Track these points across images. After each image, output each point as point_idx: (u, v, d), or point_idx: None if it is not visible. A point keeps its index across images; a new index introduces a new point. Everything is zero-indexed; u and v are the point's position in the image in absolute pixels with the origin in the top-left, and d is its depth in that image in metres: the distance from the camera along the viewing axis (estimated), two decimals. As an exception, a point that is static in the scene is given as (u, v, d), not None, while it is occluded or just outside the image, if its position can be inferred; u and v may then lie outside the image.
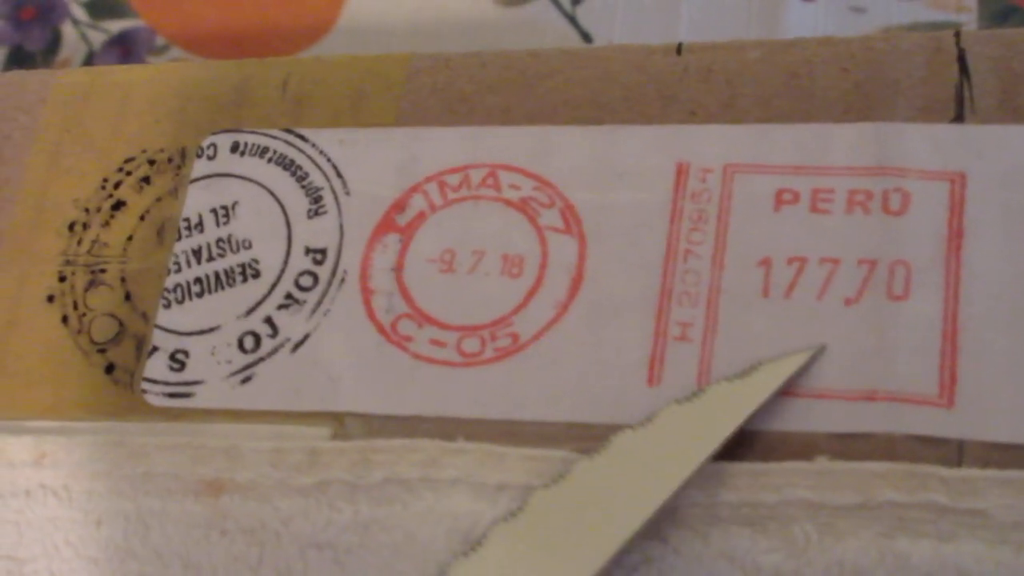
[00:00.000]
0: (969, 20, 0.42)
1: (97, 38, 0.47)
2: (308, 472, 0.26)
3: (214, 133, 0.31)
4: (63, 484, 0.28)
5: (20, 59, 0.48)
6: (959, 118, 0.27)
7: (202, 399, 0.28)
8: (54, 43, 0.47)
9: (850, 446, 0.25)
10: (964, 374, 0.25)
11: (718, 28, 0.44)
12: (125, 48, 0.47)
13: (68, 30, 0.48)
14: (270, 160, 0.30)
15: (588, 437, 0.26)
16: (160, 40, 0.47)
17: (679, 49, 0.29)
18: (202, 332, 0.29)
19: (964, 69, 0.27)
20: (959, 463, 0.24)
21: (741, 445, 0.25)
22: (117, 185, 0.31)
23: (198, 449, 0.27)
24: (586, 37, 0.44)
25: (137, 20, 0.47)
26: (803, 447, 0.25)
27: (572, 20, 0.44)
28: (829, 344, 0.25)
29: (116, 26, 0.47)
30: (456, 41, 0.44)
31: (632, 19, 0.44)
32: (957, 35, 0.28)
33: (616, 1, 0.44)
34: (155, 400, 0.28)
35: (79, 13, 0.48)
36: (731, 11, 0.44)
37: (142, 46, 0.47)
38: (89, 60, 0.47)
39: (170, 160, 0.31)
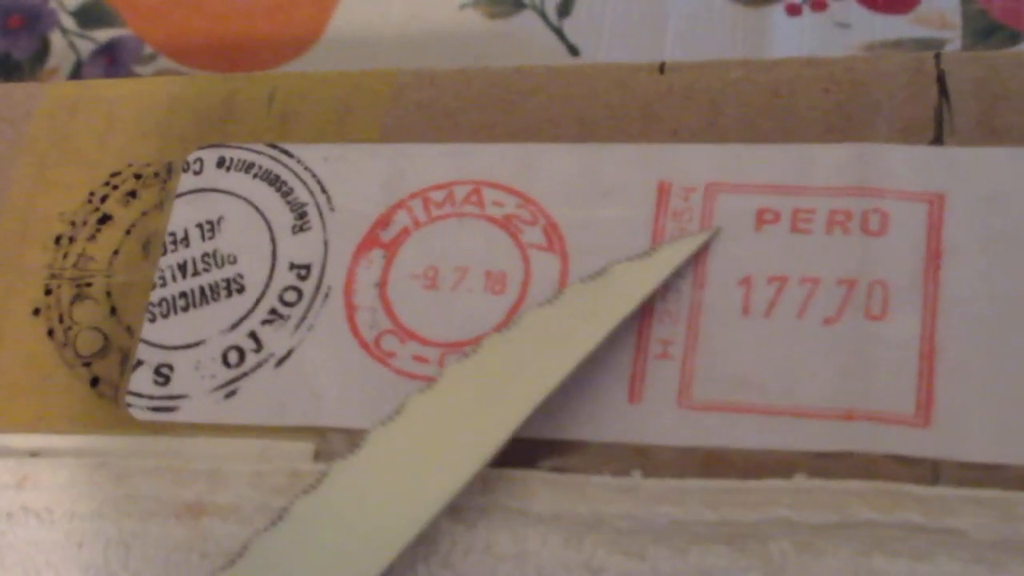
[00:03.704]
0: (953, 37, 0.42)
1: (85, 47, 0.47)
2: (289, 494, 0.26)
3: (200, 148, 0.31)
4: (45, 506, 0.28)
5: (7, 68, 0.47)
6: (938, 139, 0.27)
7: (186, 413, 0.28)
8: (42, 52, 0.47)
9: (828, 464, 0.25)
10: (940, 394, 0.25)
11: (704, 42, 0.44)
12: (112, 57, 0.46)
13: (56, 38, 0.47)
14: (255, 175, 0.30)
15: (569, 453, 0.26)
16: (148, 49, 0.46)
17: (662, 68, 0.30)
18: (187, 346, 0.29)
19: (944, 91, 0.28)
20: (935, 482, 0.24)
21: (721, 463, 0.25)
22: (103, 199, 0.32)
23: (179, 471, 0.27)
24: (572, 50, 0.44)
25: (125, 29, 0.47)
26: (782, 465, 0.25)
27: (559, 33, 0.44)
28: (808, 363, 0.26)
29: (104, 35, 0.47)
30: (443, 53, 0.44)
31: (619, 32, 0.44)
32: (937, 56, 0.28)
33: (603, 14, 0.44)
34: (139, 414, 0.29)
35: (67, 22, 0.48)
36: (717, 24, 0.43)
37: (130, 55, 0.47)
38: (77, 69, 0.47)
39: (156, 174, 0.32)
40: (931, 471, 0.25)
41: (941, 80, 0.28)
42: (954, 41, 0.42)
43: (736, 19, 0.43)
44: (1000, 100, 0.28)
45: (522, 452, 0.26)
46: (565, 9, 0.44)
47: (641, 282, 0.26)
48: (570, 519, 0.25)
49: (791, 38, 0.43)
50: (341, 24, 0.45)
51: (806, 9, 0.43)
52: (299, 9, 0.46)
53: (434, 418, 0.25)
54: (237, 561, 0.25)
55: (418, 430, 0.25)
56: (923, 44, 0.42)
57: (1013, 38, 0.42)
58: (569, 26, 0.44)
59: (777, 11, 0.43)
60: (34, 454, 0.29)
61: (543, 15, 0.44)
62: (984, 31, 0.42)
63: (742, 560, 0.24)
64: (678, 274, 0.27)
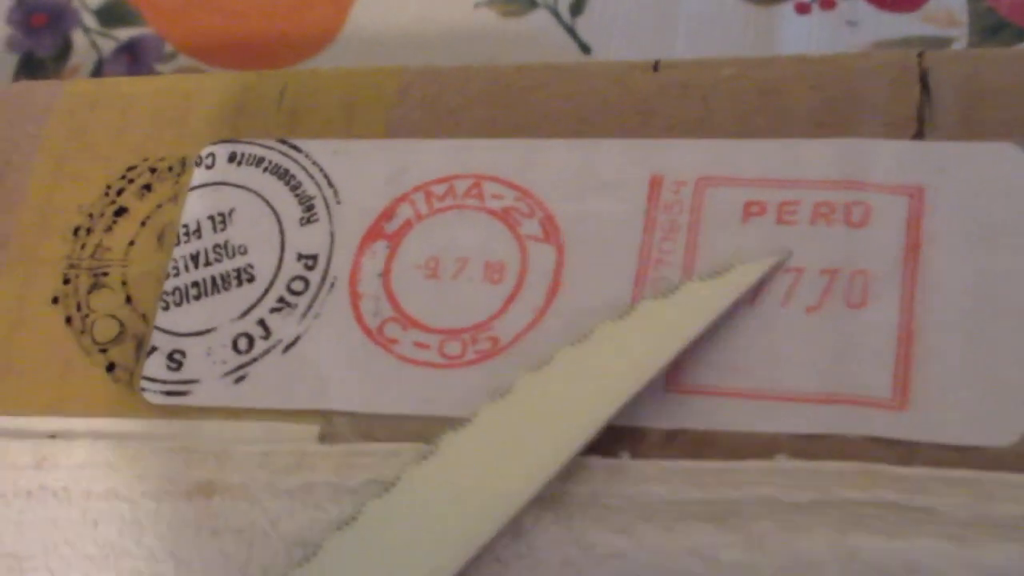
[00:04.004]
0: (960, 34, 0.42)
1: (107, 45, 0.47)
2: (295, 474, 0.27)
3: (213, 143, 0.32)
4: (62, 486, 0.29)
5: (31, 65, 0.48)
6: (920, 135, 0.28)
7: (198, 397, 0.29)
8: (64, 50, 0.47)
9: (809, 446, 0.26)
10: (917, 379, 0.26)
11: (715, 40, 0.44)
12: (134, 55, 0.47)
13: (78, 37, 0.47)
14: (265, 169, 0.31)
15: None
16: (168, 48, 0.46)
17: (656, 66, 0.31)
18: (199, 333, 0.30)
19: (926, 88, 0.29)
20: (911, 463, 0.25)
21: (706, 444, 0.26)
22: (120, 192, 0.32)
23: (191, 453, 0.28)
24: (585, 48, 0.44)
25: (146, 28, 0.47)
26: (765, 447, 0.26)
27: (571, 32, 0.44)
28: (791, 350, 0.27)
29: (125, 34, 0.47)
30: (458, 51, 0.45)
31: (630, 31, 0.44)
32: (921, 55, 0.29)
33: (615, 13, 0.44)
34: (153, 398, 0.29)
35: (89, 20, 0.48)
36: (728, 23, 0.44)
37: (150, 53, 0.47)
38: (98, 67, 0.47)
39: (170, 168, 0.32)
40: (907, 452, 0.25)
41: (924, 78, 0.29)
42: (961, 39, 0.42)
43: (747, 17, 0.43)
44: (980, 96, 0.28)
45: None
46: (578, 8, 0.44)
47: (711, 302, 0.27)
48: (561, 498, 0.26)
49: (801, 36, 0.43)
50: (358, 23, 0.46)
51: (815, 7, 0.43)
52: (316, 8, 0.46)
53: (505, 427, 0.26)
54: (311, 559, 0.26)
55: (489, 438, 0.26)
56: (930, 42, 0.42)
57: (1020, 35, 0.42)
58: (582, 25, 0.44)
59: (787, 9, 0.43)
60: (52, 436, 0.29)
61: (556, 14, 0.44)
62: (991, 28, 0.42)
63: (725, 537, 0.25)
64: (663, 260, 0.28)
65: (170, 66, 0.47)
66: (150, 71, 0.47)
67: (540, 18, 0.44)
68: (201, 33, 0.47)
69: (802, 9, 0.43)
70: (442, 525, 0.25)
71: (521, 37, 0.44)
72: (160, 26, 0.47)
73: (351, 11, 0.46)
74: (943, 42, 0.43)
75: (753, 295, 0.27)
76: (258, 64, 0.46)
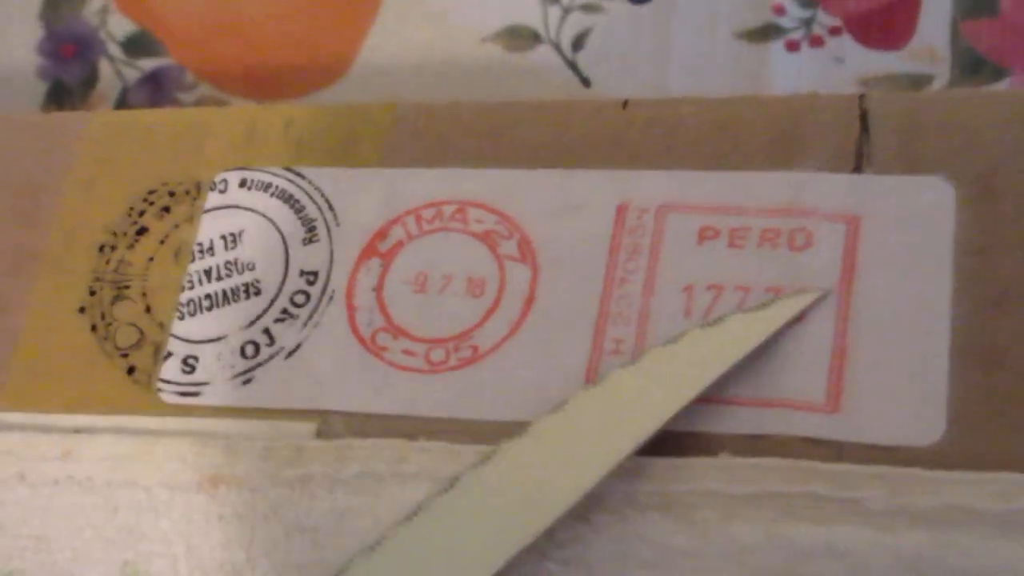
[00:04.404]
0: (942, 71, 0.43)
1: (131, 74, 0.47)
2: (294, 466, 0.29)
3: (225, 170, 0.34)
4: (86, 475, 0.30)
5: (59, 93, 0.48)
6: (858, 169, 0.30)
7: (208, 398, 0.31)
8: (91, 78, 0.47)
9: (750, 445, 0.27)
10: (848, 386, 0.27)
11: (708, 75, 0.44)
12: (157, 84, 0.47)
13: (105, 66, 0.48)
14: (272, 194, 0.33)
15: None
16: (189, 77, 0.47)
17: (625, 104, 0.32)
18: (210, 340, 0.32)
19: (865, 127, 0.30)
20: (839, 460, 0.27)
21: (661, 443, 0.28)
22: (141, 213, 0.34)
23: (202, 447, 0.30)
24: (585, 82, 0.44)
25: (168, 58, 0.47)
26: (711, 445, 0.28)
27: (572, 66, 0.44)
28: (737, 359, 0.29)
29: (149, 63, 0.47)
30: (464, 84, 0.45)
31: (628, 65, 0.44)
32: (862, 97, 0.31)
33: (613, 49, 0.44)
34: (168, 398, 0.31)
35: (115, 51, 0.48)
36: (720, 59, 0.43)
37: (172, 83, 0.47)
38: (123, 95, 0.48)
39: (187, 192, 0.34)
40: (837, 451, 0.27)
41: (863, 117, 0.30)
42: (942, 76, 0.43)
43: (739, 54, 0.44)
44: (914, 135, 0.30)
45: (482, 433, 0.29)
46: (579, 44, 0.44)
47: (754, 332, 0.28)
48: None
49: (790, 72, 0.43)
50: (370, 55, 0.46)
51: (804, 45, 0.43)
52: (330, 42, 0.46)
53: (558, 438, 0.27)
54: (375, 549, 0.27)
55: (543, 447, 0.27)
56: (914, 78, 0.43)
57: (998, 73, 0.42)
58: (582, 59, 0.44)
59: (777, 47, 0.43)
60: (77, 431, 0.31)
61: (558, 49, 0.44)
62: (971, 66, 0.42)
63: (672, 525, 0.27)
64: (627, 280, 0.30)
65: (191, 94, 0.47)
66: (172, 99, 0.47)
67: (543, 53, 0.45)
68: (221, 63, 0.47)
69: (792, 46, 0.43)
70: (494, 524, 0.27)
71: (525, 71, 0.45)
72: (182, 56, 0.47)
73: (364, 44, 0.46)
74: (925, 79, 0.43)
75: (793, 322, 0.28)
76: (274, 92, 0.46)
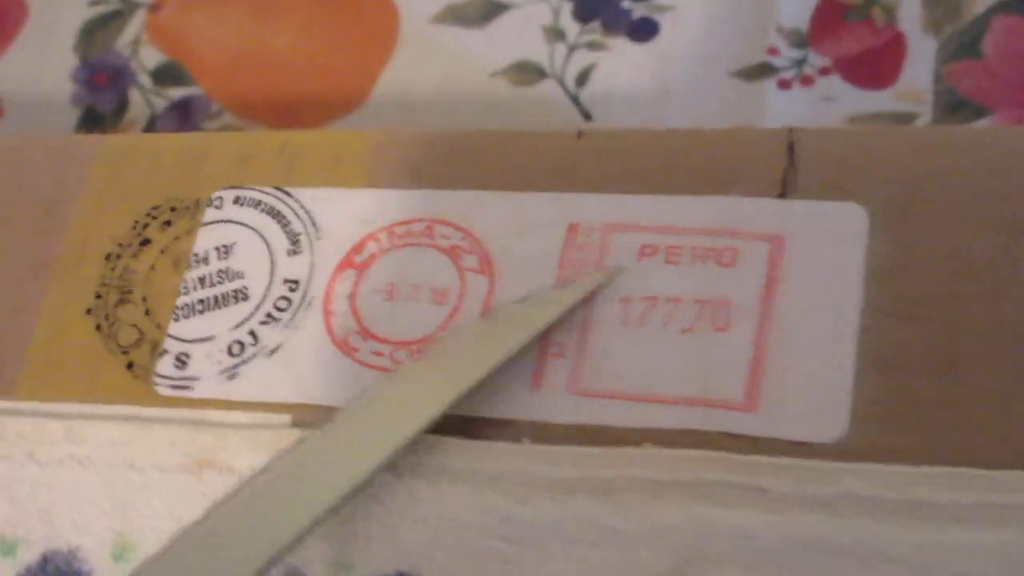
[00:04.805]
0: (925, 110, 0.44)
1: (160, 103, 0.49)
2: (271, 452, 0.30)
3: (222, 188, 0.36)
4: (88, 456, 0.32)
5: (92, 119, 0.50)
6: (783, 195, 0.32)
7: (198, 391, 0.33)
8: (122, 106, 0.49)
9: (675, 438, 0.30)
10: (765, 388, 0.30)
11: (704, 111, 0.46)
12: (184, 112, 0.49)
13: (135, 95, 0.50)
14: (262, 210, 0.35)
15: (483, 426, 0.31)
16: (215, 106, 0.49)
17: (580, 135, 0.34)
18: (202, 340, 0.34)
19: (792, 157, 0.32)
20: (753, 453, 0.29)
21: (595, 435, 0.30)
22: (145, 226, 0.36)
23: (190, 435, 0.32)
24: (586, 116, 0.46)
25: (196, 88, 0.49)
26: (640, 437, 0.30)
27: (575, 100, 0.46)
28: (668, 362, 0.30)
29: (177, 93, 0.49)
30: (473, 116, 0.46)
31: (628, 101, 0.46)
32: (790, 131, 0.33)
33: (615, 86, 0.46)
34: (163, 391, 0.33)
35: (145, 80, 0.50)
36: (716, 95, 0.46)
37: (198, 111, 0.49)
38: (152, 122, 0.49)
39: (187, 208, 0.36)
40: (752, 445, 0.29)
41: (791, 149, 0.33)
42: (925, 115, 0.44)
43: (734, 91, 0.46)
44: (834, 165, 0.32)
45: (440, 425, 0.30)
46: (582, 80, 0.46)
47: (558, 302, 0.32)
48: (477, 473, 0.30)
49: (781, 109, 0.45)
50: (385, 88, 0.48)
51: (796, 84, 0.45)
52: (348, 75, 0.48)
53: (362, 421, 0.30)
54: (198, 524, 0.28)
55: (339, 434, 0.30)
56: (899, 116, 0.45)
57: (978, 112, 0.44)
58: (585, 95, 0.46)
59: (770, 85, 0.45)
60: (81, 417, 0.33)
61: (563, 84, 0.46)
62: (952, 106, 0.44)
63: (600, 507, 0.29)
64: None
65: (216, 122, 0.49)
66: (197, 127, 0.49)
67: (548, 88, 0.47)
68: (245, 94, 0.49)
69: (784, 85, 0.45)
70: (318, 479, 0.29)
71: (530, 104, 0.46)
72: (208, 86, 0.49)
73: (380, 77, 0.48)
74: (910, 117, 0.44)
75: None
76: (295, 122, 0.48)
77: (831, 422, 0.29)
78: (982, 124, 0.44)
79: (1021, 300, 0.30)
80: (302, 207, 0.35)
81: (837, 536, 0.28)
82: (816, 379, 0.30)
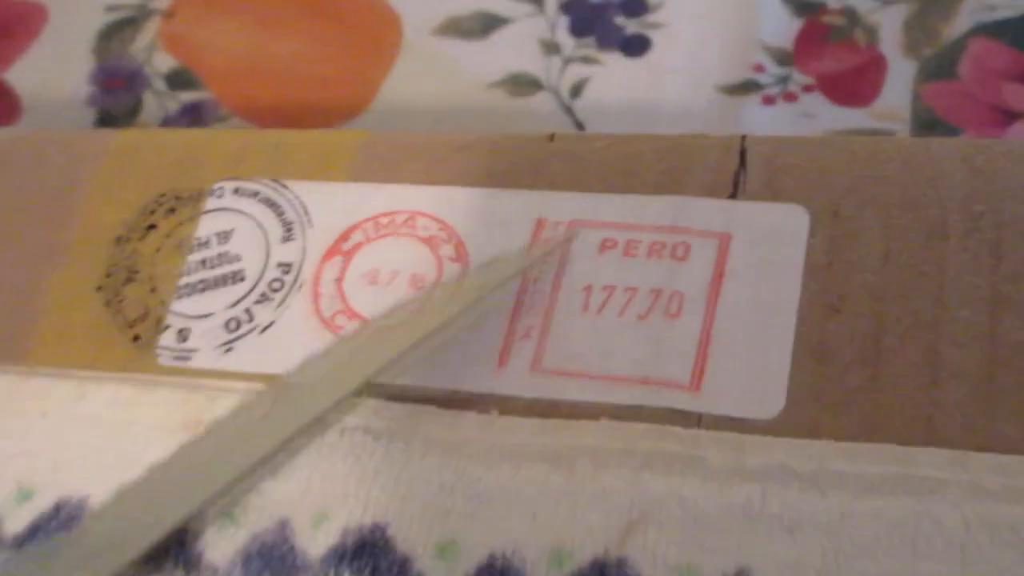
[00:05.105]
0: (903, 129, 0.45)
1: (172, 106, 0.50)
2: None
3: (222, 180, 0.38)
4: (96, 414, 0.34)
5: (107, 120, 0.50)
6: (733, 195, 0.34)
7: (196, 362, 0.35)
8: (135, 109, 0.50)
9: (626, 413, 0.32)
10: (709, 370, 0.32)
11: (692, 123, 0.46)
12: (194, 115, 0.49)
13: (149, 98, 0.50)
14: (259, 200, 0.37)
15: (452, 400, 0.33)
16: (224, 110, 0.49)
17: (552, 137, 0.36)
18: (201, 316, 0.36)
19: (743, 162, 0.34)
20: (697, 428, 0.31)
21: (554, 409, 0.32)
22: (151, 212, 0.38)
23: (188, 399, 0.34)
24: (579, 126, 0.47)
25: (206, 92, 0.50)
26: (595, 412, 0.32)
27: (569, 111, 0.47)
28: (623, 346, 0.32)
29: (188, 96, 0.50)
30: (471, 124, 0.47)
31: (619, 113, 0.47)
32: (743, 138, 0.35)
33: (606, 97, 0.47)
34: (165, 361, 0.35)
35: (159, 84, 0.50)
36: (703, 109, 0.46)
37: (209, 114, 0.49)
38: (164, 124, 0.50)
39: (190, 197, 0.38)
40: (696, 421, 0.31)
41: (743, 154, 0.35)
42: (902, 132, 0.45)
43: (721, 106, 0.46)
44: (780, 170, 0.34)
45: (416, 396, 0.33)
46: (576, 92, 0.47)
47: (503, 271, 0.34)
48: (446, 442, 0.32)
49: (764, 123, 0.46)
50: (386, 96, 0.49)
51: (779, 100, 0.46)
52: (351, 83, 0.49)
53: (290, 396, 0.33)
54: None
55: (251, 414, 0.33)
56: (876, 134, 0.45)
57: (951, 131, 0.44)
58: (579, 106, 0.47)
59: (755, 101, 0.46)
60: (90, 380, 0.35)
61: (557, 96, 0.47)
62: (928, 124, 0.45)
63: (554, 472, 0.31)
64: (539, 279, 0.36)
65: (225, 126, 0.49)
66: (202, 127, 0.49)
67: (543, 99, 0.47)
68: (251, 99, 0.49)
69: (768, 101, 0.46)
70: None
71: (526, 114, 0.47)
72: (218, 91, 0.50)
73: (382, 86, 0.49)
74: (887, 134, 0.45)
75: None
76: (299, 127, 0.47)
77: (768, 402, 0.31)
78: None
79: (939, 298, 0.32)
80: (296, 198, 0.37)
81: (767, 503, 0.30)
82: (756, 363, 0.32)
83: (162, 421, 0.34)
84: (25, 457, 0.34)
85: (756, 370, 0.32)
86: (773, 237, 0.33)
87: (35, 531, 0.33)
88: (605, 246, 0.34)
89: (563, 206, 0.35)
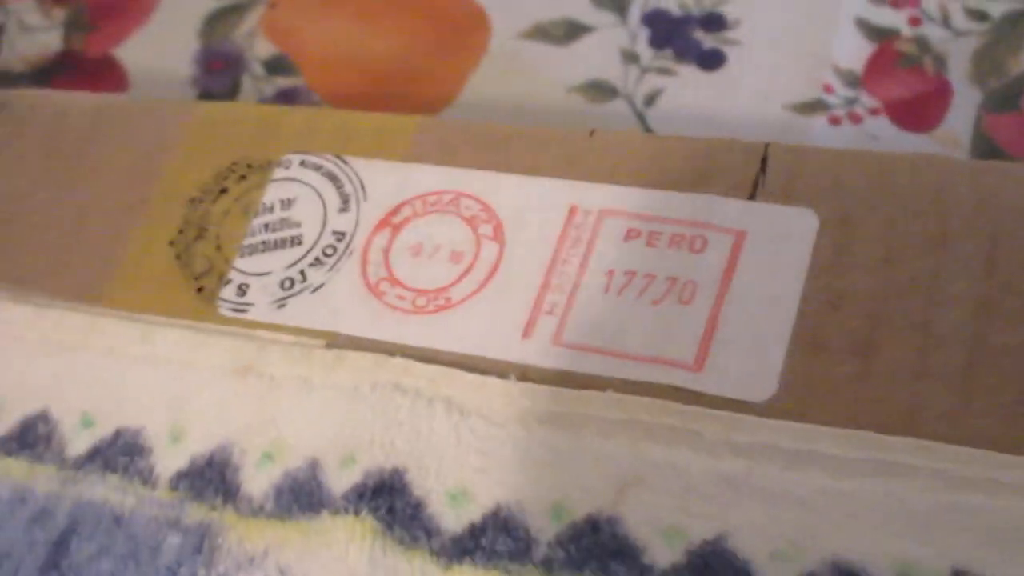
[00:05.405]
0: (962, 155, 0.44)
1: (268, 91, 0.51)
2: (303, 365, 0.35)
3: (291, 152, 0.40)
4: (157, 355, 0.36)
5: (206, 100, 0.51)
6: (752, 197, 0.35)
7: (252, 315, 0.37)
8: (233, 91, 0.51)
9: (632, 388, 0.33)
10: (711, 353, 0.33)
11: (756, 138, 0.40)
12: (288, 101, 0.50)
13: (247, 82, 0.51)
14: (321, 173, 0.39)
15: (481, 366, 0.35)
16: (316, 97, 0.50)
17: (592, 133, 0.38)
18: (260, 274, 0.38)
19: (764, 167, 0.36)
20: (695, 405, 0.32)
21: (567, 379, 0.33)
22: (224, 178, 0.40)
23: (240, 347, 0.36)
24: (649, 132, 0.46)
25: (301, 80, 0.50)
26: (604, 384, 0.33)
27: (641, 119, 0.47)
28: (638, 326, 0.33)
29: (284, 83, 0.51)
30: (547, 126, 0.38)
31: (689, 124, 0.46)
32: (767, 145, 0.35)
33: (679, 108, 0.47)
34: (224, 312, 0.37)
35: (257, 69, 0.51)
36: (770, 127, 0.46)
37: (301, 101, 0.50)
38: None
39: (261, 166, 0.40)
40: (695, 398, 0.32)
41: (764, 160, 0.36)
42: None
43: (787, 123, 0.46)
44: (797, 176, 0.35)
45: (444, 360, 0.35)
46: (650, 101, 0.47)
47: None
48: (466, 402, 0.34)
49: (829, 143, 0.45)
50: (470, 94, 0.49)
51: (845, 121, 0.45)
52: (438, 79, 0.49)
53: None
54: None
55: None
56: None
57: (1009, 161, 0.42)
58: (651, 114, 0.47)
59: (821, 121, 0.46)
60: (154, 324, 0.37)
61: (632, 103, 0.47)
62: (987, 154, 0.44)
63: (562, 435, 0.32)
64: (567, 261, 0.39)
65: None
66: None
67: (619, 106, 0.48)
68: (342, 88, 0.50)
69: (834, 121, 0.46)
70: None
71: (601, 119, 0.47)
72: (312, 79, 0.51)
73: (467, 83, 0.49)
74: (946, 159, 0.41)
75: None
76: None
77: (762, 385, 0.33)
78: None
79: (932, 299, 0.33)
80: (355, 173, 0.39)
81: (753, 477, 0.31)
82: (755, 350, 0.33)
83: (216, 365, 0.36)
84: (89, 388, 0.36)
85: (754, 356, 0.33)
86: (784, 237, 0.34)
87: (94, 455, 0.35)
88: (630, 235, 0.36)
89: (595, 196, 0.37)
